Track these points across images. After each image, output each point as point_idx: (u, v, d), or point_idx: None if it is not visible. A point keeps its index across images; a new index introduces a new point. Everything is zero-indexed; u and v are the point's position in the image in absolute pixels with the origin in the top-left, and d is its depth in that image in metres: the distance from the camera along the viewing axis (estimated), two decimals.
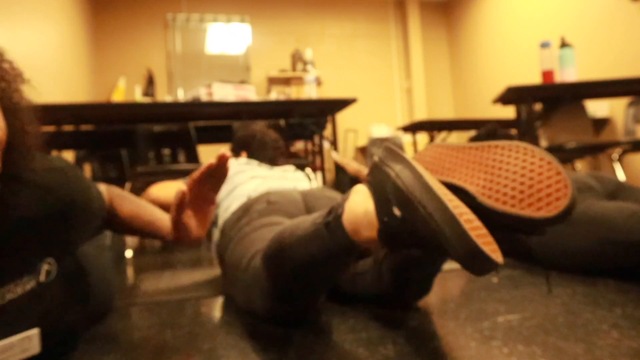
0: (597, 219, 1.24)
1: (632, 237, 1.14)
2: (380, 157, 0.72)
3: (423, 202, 0.61)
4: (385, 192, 0.67)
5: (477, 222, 0.62)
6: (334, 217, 0.76)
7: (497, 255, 0.58)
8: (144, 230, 0.95)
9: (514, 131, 3.84)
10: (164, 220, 0.95)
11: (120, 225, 0.95)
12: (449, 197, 0.63)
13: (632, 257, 1.16)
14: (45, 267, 0.73)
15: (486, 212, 0.66)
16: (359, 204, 0.73)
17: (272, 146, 1.75)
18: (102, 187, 0.94)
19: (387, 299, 1.03)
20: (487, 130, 1.79)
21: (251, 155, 1.74)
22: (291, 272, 0.84)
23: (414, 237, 0.64)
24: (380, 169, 0.71)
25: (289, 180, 1.53)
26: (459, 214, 0.59)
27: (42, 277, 0.72)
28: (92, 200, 0.84)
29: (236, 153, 1.79)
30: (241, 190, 1.41)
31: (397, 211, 0.65)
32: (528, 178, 0.66)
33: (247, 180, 1.46)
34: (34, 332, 0.70)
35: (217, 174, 0.82)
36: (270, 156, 1.74)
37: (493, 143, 0.73)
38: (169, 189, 1.47)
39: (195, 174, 0.82)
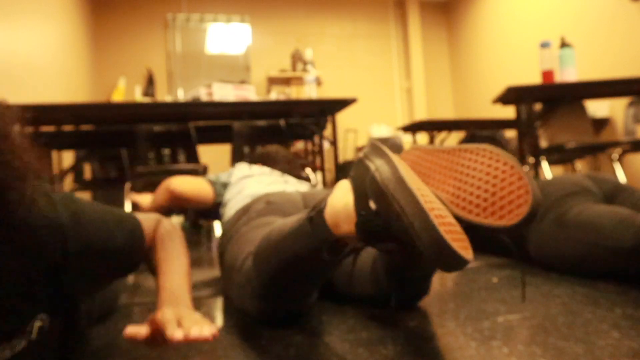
0: (588, 223, 1.24)
1: (621, 244, 1.14)
2: (364, 153, 0.74)
3: (396, 196, 0.63)
4: (364, 186, 0.69)
5: (450, 219, 0.64)
6: (317, 211, 0.78)
7: (466, 252, 0.60)
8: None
9: (512, 132, 3.83)
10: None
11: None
12: (423, 191, 0.65)
13: (620, 262, 1.17)
14: (37, 324, 0.65)
15: (455, 219, 0.71)
16: (340, 198, 0.75)
17: (284, 160, 1.78)
18: (148, 223, 0.83)
19: (385, 300, 1.03)
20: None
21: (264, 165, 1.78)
22: (277, 269, 0.85)
23: (388, 231, 0.66)
24: (362, 163, 0.72)
25: (292, 184, 1.57)
26: (429, 208, 0.60)
27: (34, 335, 0.64)
28: (112, 250, 0.74)
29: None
30: (248, 191, 1.43)
31: (372, 204, 0.67)
32: (492, 185, 0.71)
33: (254, 183, 1.49)
34: None
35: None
36: (283, 169, 1.78)
37: (462, 147, 0.78)
38: (194, 185, 1.48)
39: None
